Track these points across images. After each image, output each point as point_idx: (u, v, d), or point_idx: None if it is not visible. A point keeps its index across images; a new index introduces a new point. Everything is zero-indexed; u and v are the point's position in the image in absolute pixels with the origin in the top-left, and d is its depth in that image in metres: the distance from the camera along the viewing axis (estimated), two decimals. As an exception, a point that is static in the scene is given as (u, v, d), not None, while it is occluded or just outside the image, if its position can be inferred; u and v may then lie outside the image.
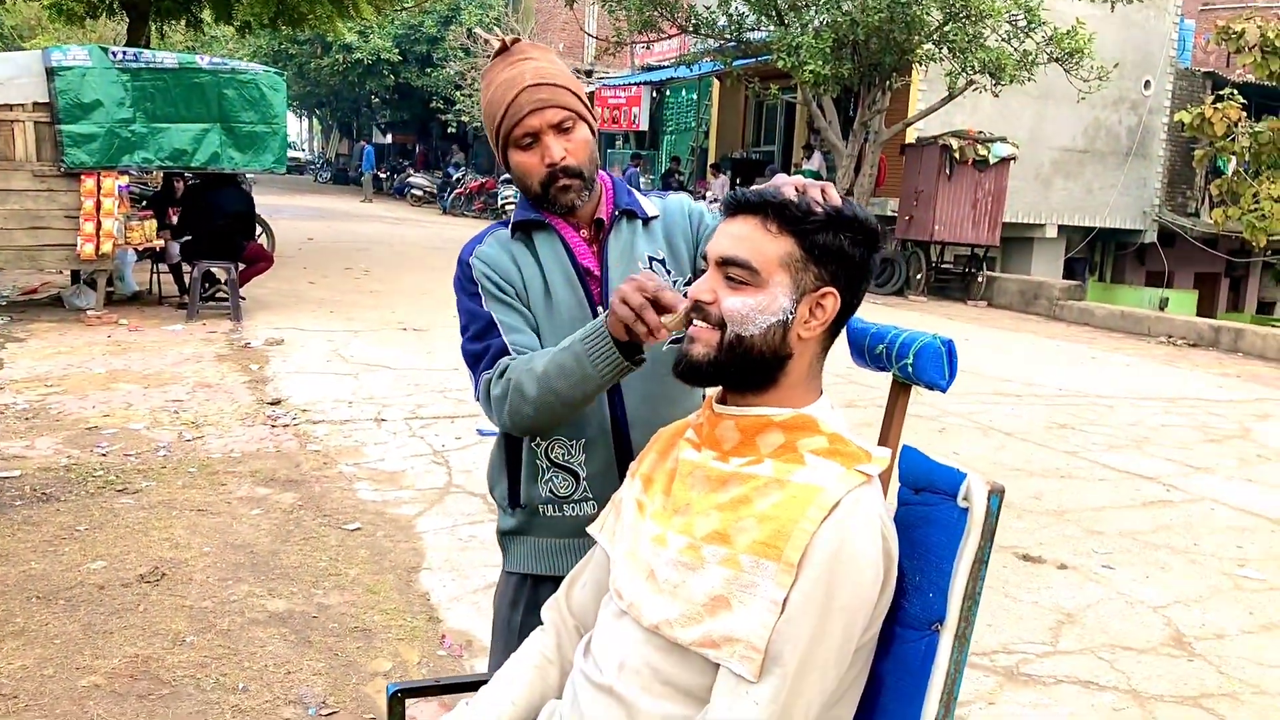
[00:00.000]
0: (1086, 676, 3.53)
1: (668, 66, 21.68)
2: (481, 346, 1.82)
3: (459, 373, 8.00)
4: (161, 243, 10.21)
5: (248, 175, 21.59)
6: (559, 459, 1.90)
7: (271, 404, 6.81)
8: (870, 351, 1.58)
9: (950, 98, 15.07)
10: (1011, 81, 14.39)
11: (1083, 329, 13.39)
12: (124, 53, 9.29)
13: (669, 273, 1.94)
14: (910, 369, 1.51)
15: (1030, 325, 13.38)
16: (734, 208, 1.43)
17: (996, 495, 1.34)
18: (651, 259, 1.94)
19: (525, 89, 1.81)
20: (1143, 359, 10.98)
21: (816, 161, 19.78)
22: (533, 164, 1.83)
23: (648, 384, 1.88)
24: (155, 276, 11.03)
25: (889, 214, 16.83)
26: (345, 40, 29.13)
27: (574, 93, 1.86)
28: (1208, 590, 4.37)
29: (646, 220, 1.97)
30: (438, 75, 31.41)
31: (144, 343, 8.66)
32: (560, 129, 1.83)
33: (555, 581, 1.83)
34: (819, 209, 1.38)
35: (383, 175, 32.61)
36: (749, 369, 1.41)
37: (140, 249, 10.19)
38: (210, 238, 9.59)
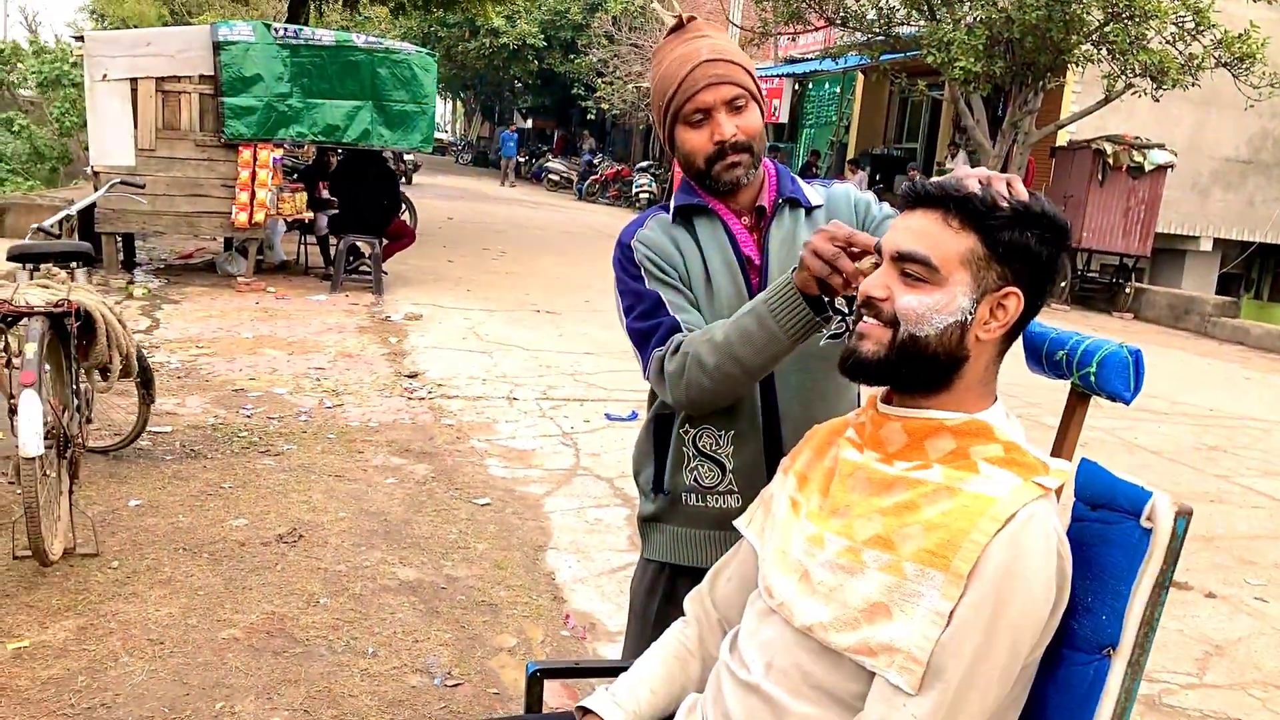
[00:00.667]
0: (1236, 714, 3.35)
1: (812, 59, 21.40)
2: (650, 324, 1.79)
3: (590, 356, 8.06)
4: (311, 215, 10.53)
5: (411, 154, 22.20)
6: (707, 448, 1.87)
7: (409, 377, 6.96)
8: (1049, 358, 1.50)
9: (1107, 100, 14.49)
10: (1175, 86, 13.75)
11: (1235, 348, 12.76)
12: (285, 29, 9.59)
13: None
14: (1093, 378, 1.42)
15: (1179, 341, 12.81)
16: (914, 200, 1.37)
17: (1184, 517, 1.26)
18: None
19: (701, 64, 1.77)
20: (1302, 383, 10.41)
21: (961, 161, 19.27)
22: (700, 141, 1.80)
23: (803, 378, 1.84)
24: (303, 247, 11.40)
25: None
26: (493, 24, 29.64)
27: (748, 71, 1.82)
28: (1371, 632, 4.10)
29: (810, 209, 1.91)
30: (580, 62, 31.67)
31: (290, 310, 8.95)
32: (733, 106, 1.79)
33: (693, 572, 1.82)
34: (1005, 203, 1.31)
35: (521, 160, 33.02)
36: (921, 370, 1.35)
37: (290, 220, 10.54)
38: (356, 212, 9.86)
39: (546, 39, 32.78)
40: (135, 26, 25.73)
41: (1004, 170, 15.69)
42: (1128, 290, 15.03)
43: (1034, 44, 13.93)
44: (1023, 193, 1.35)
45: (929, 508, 1.30)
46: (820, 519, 1.41)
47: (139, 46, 9.26)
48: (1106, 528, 1.33)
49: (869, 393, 1.51)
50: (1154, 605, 1.27)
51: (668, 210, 1.92)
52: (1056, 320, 9.63)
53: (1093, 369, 1.42)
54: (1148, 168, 14.83)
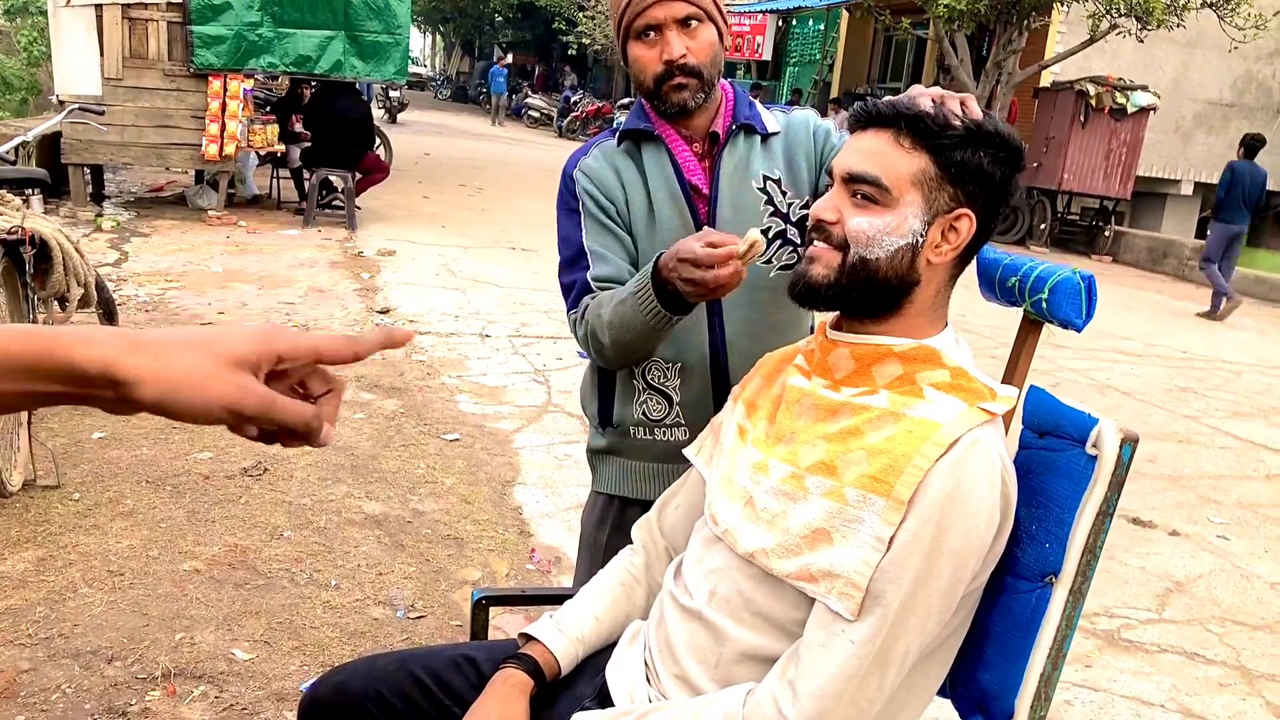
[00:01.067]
0: (1193, 648, 3.38)
1: (796, -4, 21.14)
2: (568, 280, 1.81)
3: (565, 294, 8.00)
4: (283, 148, 10.36)
5: (399, 90, 21.72)
6: (655, 381, 1.86)
7: (380, 312, 6.90)
8: (1002, 284, 1.47)
9: (1091, 41, 14.36)
10: (1159, 26, 13.64)
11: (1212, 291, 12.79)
12: (255, -45, 9.36)
13: (784, 193, 1.83)
14: (1044, 305, 1.40)
15: (1157, 284, 12.84)
16: (864, 120, 1.33)
17: (1130, 444, 1.24)
18: (766, 178, 1.83)
19: None
20: (1277, 326, 10.45)
21: (942, 101, 19.14)
22: (650, 58, 1.74)
23: (750, 311, 1.81)
24: (275, 181, 11.24)
25: (1017, 159, 16.20)
26: (472, -44, 29.10)
27: None
28: (1330, 571, 4.15)
29: (766, 136, 1.85)
30: (562, -5, 31.18)
31: (261, 245, 8.84)
32: (685, 25, 1.72)
33: (642, 505, 1.80)
34: (958, 122, 1.27)
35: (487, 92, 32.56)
36: (872, 294, 1.32)
37: (262, 153, 10.37)
38: (329, 146, 9.70)
39: (527, -29, 32.23)
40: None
41: (987, 110, 15.55)
42: (1107, 233, 15.03)
43: (1020, -18, 13.78)
44: (976, 112, 1.31)
45: (873, 433, 1.27)
46: (766, 446, 1.39)
47: (103, -28, 9.03)
48: (1053, 455, 1.31)
49: (821, 319, 1.47)
50: (1097, 533, 1.26)
51: (615, 135, 1.86)
52: (1036, 260, 9.70)
53: (1044, 295, 1.39)
54: (1130, 110, 14.74)
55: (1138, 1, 13.39)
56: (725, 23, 1.81)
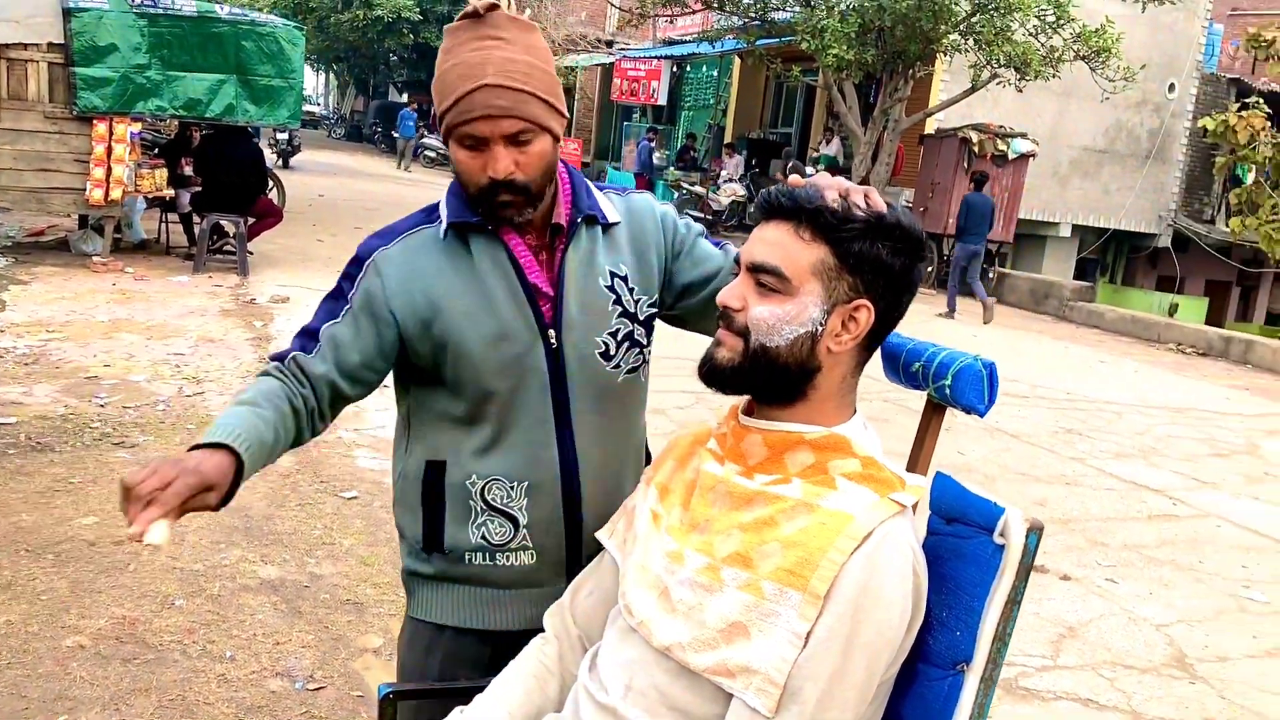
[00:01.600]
0: (1087, 694, 3.48)
1: (690, 41, 21.47)
2: (307, 324, 1.68)
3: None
4: (172, 192, 10.11)
5: (290, 132, 21.30)
6: (496, 501, 1.67)
7: (273, 363, 6.74)
8: (906, 369, 1.51)
9: (973, 89, 14.89)
10: (1037, 77, 14.22)
11: (1092, 331, 13.30)
12: (142, -2, 9.17)
13: (631, 290, 1.70)
14: (948, 390, 1.43)
15: (1039, 325, 13.29)
16: (768, 211, 1.35)
17: (1035, 533, 1.27)
18: (614, 274, 1.69)
19: (482, 88, 1.53)
20: (1151, 365, 10.90)
21: (834, 147, 19.64)
22: (473, 168, 1.57)
23: (600, 420, 1.69)
24: (164, 226, 10.94)
25: (903, 204, 16.67)
26: (366, -4, 28.93)
27: (541, 98, 1.57)
28: (1211, 611, 4.31)
29: (607, 226, 1.71)
30: (457, 37, 31.18)
31: (149, 292, 8.58)
32: (514, 140, 1.56)
33: (479, 634, 1.72)
34: (858, 214, 1.30)
35: (395, 135, 32.32)
36: (774, 380, 1.34)
37: (150, 197, 10.10)
38: (221, 189, 9.50)
39: (422, 12, 32.12)
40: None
41: (875, 156, 16.03)
42: (991, 275, 15.50)
43: (904, 33, 14.22)
44: (879, 205, 1.34)
45: (787, 524, 1.28)
46: (680, 534, 1.39)
47: (-19, 11, 8.74)
48: (960, 542, 1.34)
49: (733, 402, 1.48)
50: (1006, 620, 1.28)
51: (432, 223, 1.67)
52: (922, 304, 9.92)
53: (948, 381, 1.42)
54: (1011, 156, 15.31)
55: (1016, 53, 13.94)
56: (563, 116, 1.64)
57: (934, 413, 1.51)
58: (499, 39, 1.55)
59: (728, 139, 22.54)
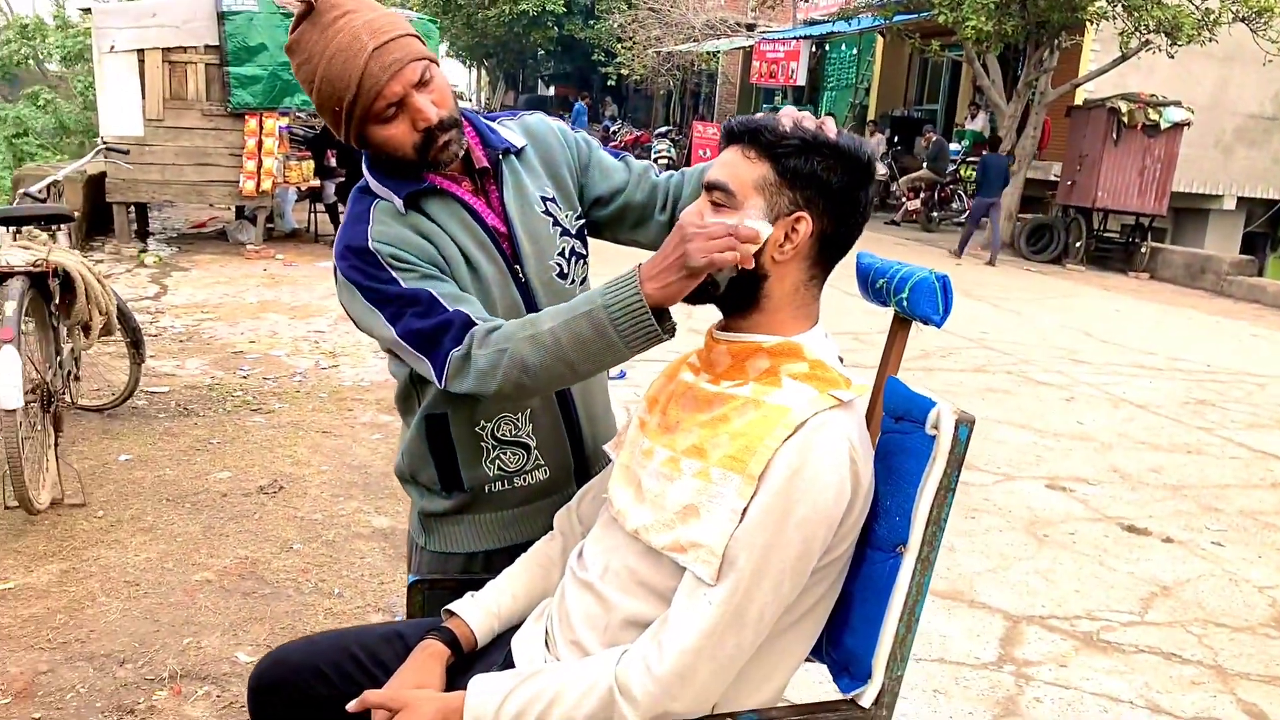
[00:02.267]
0: (1170, 648, 3.45)
1: (828, 21, 21.29)
2: (433, 323, 1.58)
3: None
4: (318, 182, 10.68)
5: None
6: (507, 435, 1.80)
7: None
8: (872, 285, 1.61)
9: (1123, 59, 14.34)
10: (1189, 42, 13.60)
11: (1251, 306, 12.68)
12: (289, -2, 9.70)
13: (561, 209, 1.81)
14: (905, 303, 1.53)
15: (1192, 300, 12.75)
16: (726, 137, 1.48)
17: (965, 425, 1.37)
18: (544, 199, 1.79)
19: (372, 54, 1.56)
20: (1308, 339, 10.36)
21: (980, 122, 19.18)
22: (402, 133, 1.62)
23: None
24: (313, 215, 11.57)
25: (1051, 178, 16.20)
26: (512, -10, 29.60)
27: (415, 35, 1.63)
28: (1325, 576, 4.18)
29: (518, 152, 1.79)
30: (600, 27, 31.61)
31: (296, 277, 9.12)
32: (421, 83, 1.60)
33: (508, 551, 1.81)
34: (794, 133, 1.42)
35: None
36: (724, 288, 1.46)
37: (302, 188, 10.70)
38: (356, 178, 9.99)
39: (566, 5, 32.68)
40: None
41: (1020, 131, 15.61)
42: (1143, 250, 14.93)
43: (1047, 2, 13.81)
44: (829, 130, 1.45)
45: (737, 419, 1.42)
46: (655, 435, 1.53)
47: (145, 18, 9.42)
48: (904, 437, 1.44)
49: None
50: (940, 506, 1.38)
51: (381, 198, 1.70)
52: (1068, 280, 9.70)
53: (905, 295, 1.52)
54: (1164, 126, 14.66)
55: (1166, 18, 13.36)
56: (435, 58, 1.68)
57: (899, 326, 1.61)
58: (344, 13, 1.58)
59: (870, 117, 22.27)
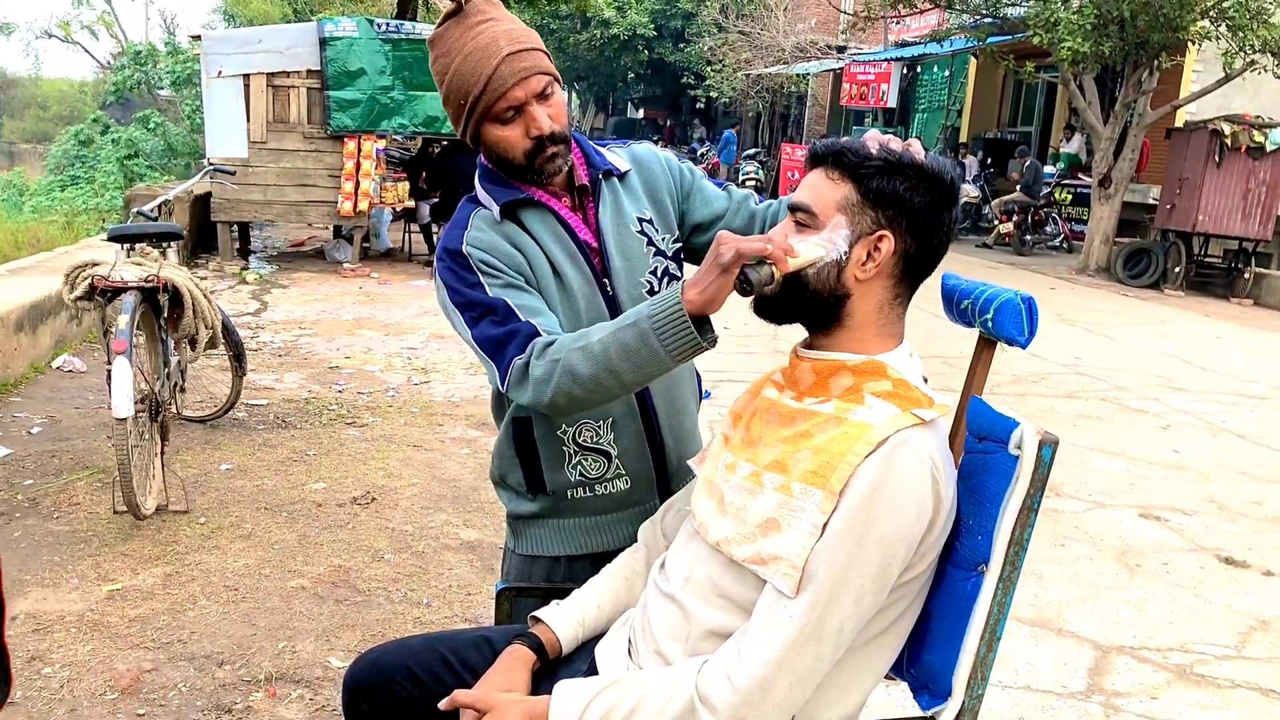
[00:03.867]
0: (1269, 684, 3.35)
1: (920, 43, 21.13)
2: (505, 330, 1.67)
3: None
4: (413, 203, 10.94)
5: None
6: (588, 442, 1.86)
7: (495, 357, 7.23)
8: (957, 306, 1.62)
9: (1226, 79, 13.97)
10: (1297, 61, 13.21)
11: (1364, 334, 12.20)
12: (387, 24, 10.00)
13: (657, 231, 1.88)
14: (990, 324, 1.54)
15: (1300, 327, 12.32)
16: (810, 160, 1.51)
17: (1049, 446, 1.38)
18: (641, 220, 1.87)
19: (505, 58, 1.68)
20: None
21: (1076, 144, 18.85)
22: (515, 137, 1.72)
23: None
24: (408, 235, 11.84)
25: (1150, 201, 15.84)
26: (603, 15, 29.94)
27: (546, 53, 1.75)
28: None
29: (622, 176, 1.89)
30: (690, 50, 31.82)
31: (390, 295, 9.34)
32: (542, 96, 1.72)
33: (594, 559, 1.87)
34: (878, 153, 1.44)
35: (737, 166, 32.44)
36: (806, 306, 1.49)
37: (397, 209, 10.97)
38: (453, 201, 10.23)
39: (657, 28, 33.01)
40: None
41: (1118, 154, 15.29)
42: (1247, 275, 14.49)
43: (1146, 22, 13.53)
44: (917, 152, 1.47)
45: (820, 435, 1.44)
46: (738, 449, 1.57)
47: (250, 44, 9.79)
48: (987, 457, 1.45)
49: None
50: (1023, 526, 1.39)
51: (484, 207, 1.81)
52: (1166, 306, 9.46)
53: (990, 316, 1.53)
54: (1269, 148, 14.23)
55: (1274, 38, 13.00)
56: (559, 78, 1.80)
57: (985, 347, 1.62)
58: (489, 19, 1.71)
59: (963, 139, 22.02)
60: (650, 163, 1.94)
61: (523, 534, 1.99)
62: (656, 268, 1.87)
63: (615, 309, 1.82)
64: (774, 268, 1.44)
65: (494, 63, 1.67)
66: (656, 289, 1.87)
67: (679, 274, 1.91)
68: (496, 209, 1.78)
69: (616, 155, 1.92)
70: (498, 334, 1.68)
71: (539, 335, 1.65)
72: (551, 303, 1.77)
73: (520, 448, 1.90)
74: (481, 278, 1.72)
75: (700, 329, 1.50)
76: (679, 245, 1.94)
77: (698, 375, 2.08)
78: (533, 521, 1.96)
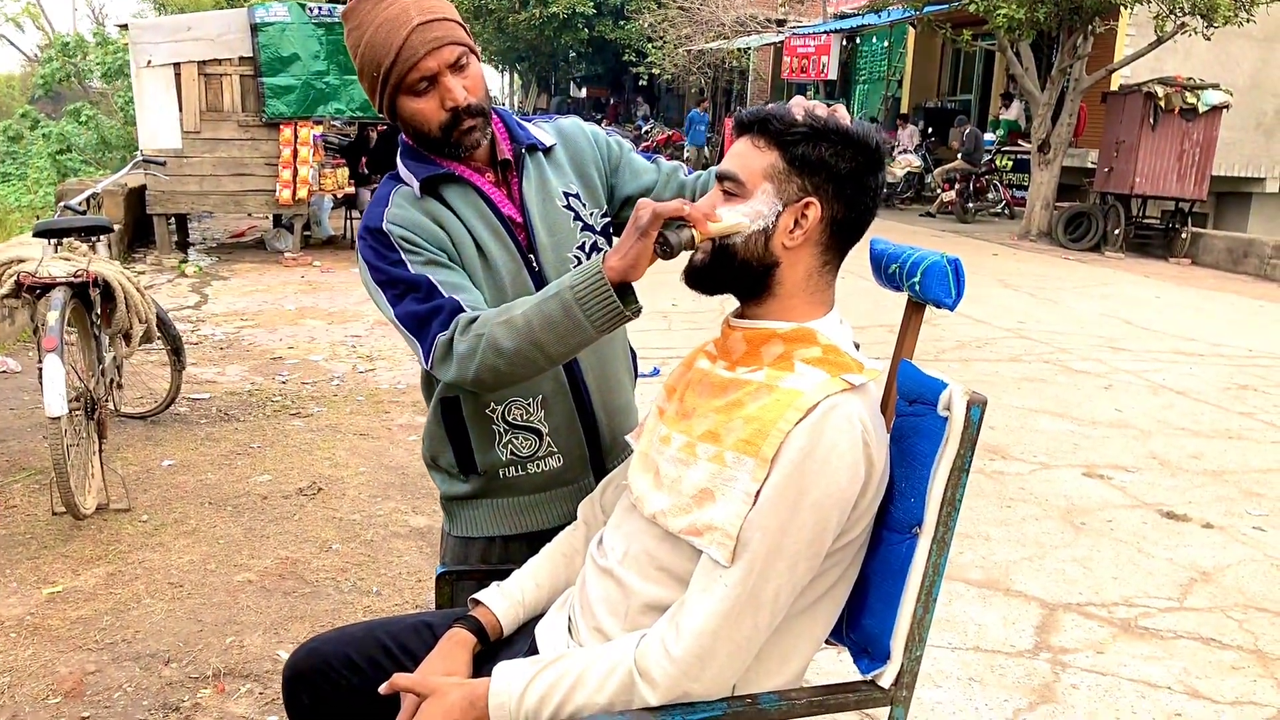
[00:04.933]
0: (1210, 634, 3.42)
1: (858, 14, 21.20)
2: (428, 307, 1.66)
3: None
4: (353, 189, 10.81)
5: None
6: (518, 419, 1.84)
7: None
8: (885, 271, 1.62)
9: (1158, 42, 14.15)
10: (1226, 23, 13.40)
11: (1296, 289, 12.47)
12: (319, 8, 9.83)
13: (585, 206, 1.87)
14: (918, 287, 1.54)
15: (1235, 285, 12.56)
16: (736, 128, 1.50)
17: (977, 406, 1.38)
18: (567, 194, 1.85)
19: (415, 28, 1.65)
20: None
21: (1015, 111, 19.03)
22: (430, 109, 1.70)
23: None
24: (348, 222, 11.70)
25: (1088, 166, 16.04)
26: (541, -6, 29.69)
27: (459, 23, 1.72)
28: (1370, 559, 4.12)
29: (547, 150, 1.87)
30: (630, 28, 31.65)
31: (333, 283, 9.23)
32: (456, 67, 1.69)
33: (529, 538, 1.86)
34: (800, 122, 1.44)
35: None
36: (736, 275, 1.48)
37: (338, 195, 10.83)
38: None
39: (596, 6, 32.74)
40: (193, 14, 26.18)
41: (1055, 120, 15.45)
42: (1184, 235, 14.73)
43: (1079, -13, 13.67)
44: (842, 118, 1.47)
45: (751, 403, 1.44)
46: (672, 421, 1.56)
47: (180, 32, 9.59)
48: (918, 420, 1.46)
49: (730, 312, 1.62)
50: (954, 486, 1.40)
51: (405, 184, 1.79)
52: (1110, 268, 9.56)
53: (917, 279, 1.53)
54: (1202, 109, 14.45)
55: (1202, 1, 13.18)
56: (477, 48, 1.77)
57: (914, 310, 1.62)
58: None
59: (904, 110, 22.15)
60: (576, 136, 1.92)
61: (457, 516, 1.98)
62: (584, 242, 1.86)
63: (542, 284, 1.80)
64: (694, 230, 1.43)
65: (404, 33, 1.65)
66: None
67: (608, 249, 1.88)
68: (417, 185, 1.76)
69: (541, 130, 1.90)
70: (421, 310, 1.66)
71: (463, 311, 1.64)
72: (476, 279, 1.76)
73: (450, 428, 1.88)
74: (403, 255, 1.70)
75: (624, 298, 1.50)
76: (607, 220, 1.93)
77: (632, 351, 2.06)
78: (466, 503, 1.95)
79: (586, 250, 1.86)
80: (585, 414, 1.88)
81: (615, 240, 1.88)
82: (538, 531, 1.88)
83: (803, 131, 1.43)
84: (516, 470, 1.89)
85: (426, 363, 1.67)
